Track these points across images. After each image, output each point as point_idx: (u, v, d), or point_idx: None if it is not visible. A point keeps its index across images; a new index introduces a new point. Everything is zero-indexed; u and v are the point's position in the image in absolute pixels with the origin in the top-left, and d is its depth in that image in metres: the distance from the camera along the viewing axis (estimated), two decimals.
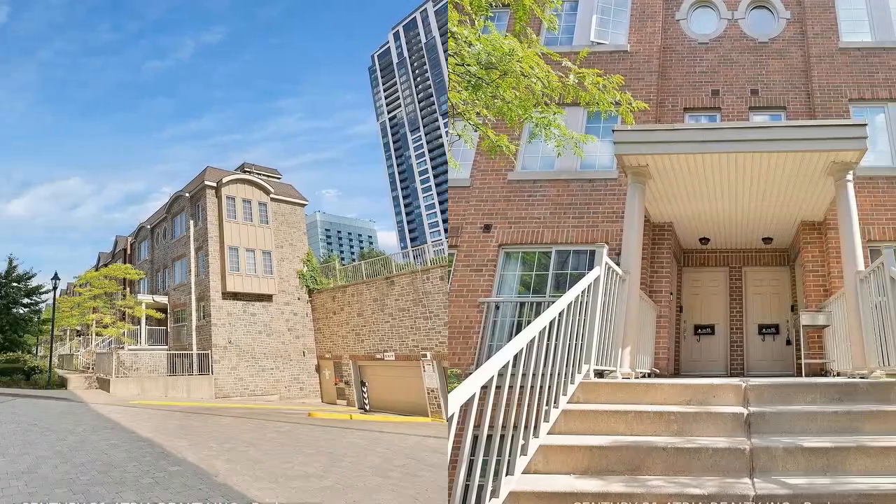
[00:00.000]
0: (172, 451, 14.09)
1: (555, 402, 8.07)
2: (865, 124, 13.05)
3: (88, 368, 41.49)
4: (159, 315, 43.67)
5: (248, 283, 42.52)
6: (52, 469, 11.78)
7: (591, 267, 10.85)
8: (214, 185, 43.51)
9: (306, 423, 20.08)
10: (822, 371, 15.84)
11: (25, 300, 53.67)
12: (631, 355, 12.28)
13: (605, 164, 18.80)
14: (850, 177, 13.40)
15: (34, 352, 57.89)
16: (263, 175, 49.34)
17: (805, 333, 16.19)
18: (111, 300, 44.34)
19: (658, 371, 15.59)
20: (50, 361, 40.51)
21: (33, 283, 53.98)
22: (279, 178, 52.19)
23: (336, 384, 41.65)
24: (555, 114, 12.36)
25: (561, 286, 17.23)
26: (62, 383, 36.33)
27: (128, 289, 50.45)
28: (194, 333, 41.85)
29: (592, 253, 11.81)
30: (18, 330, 51.85)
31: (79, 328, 56.33)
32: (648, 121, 18.49)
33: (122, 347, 39.74)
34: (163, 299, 46.13)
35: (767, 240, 19.50)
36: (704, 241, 19.73)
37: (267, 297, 43.68)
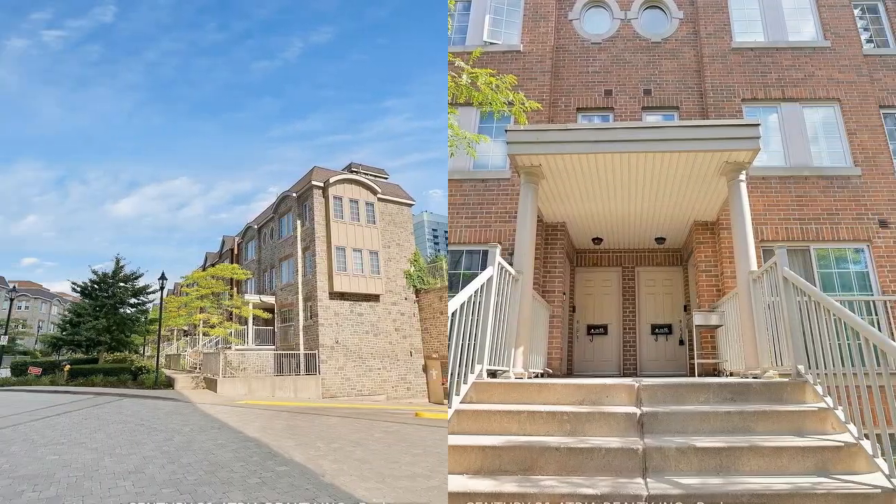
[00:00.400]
0: (279, 451, 13.96)
1: (448, 403, 8.00)
2: (758, 124, 13.32)
3: (195, 368, 41.47)
4: (266, 315, 43.98)
5: (356, 283, 42.86)
6: (159, 469, 11.67)
7: (483, 267, 10.82)
8: (321, 185, 44.02)
9: (413, 423, 19.73)
10: (715, 371, 16.20)
11: (133, 300, 54.00)
12: (524, 355, 12.31)
13: (498, 164, 18.89)
14: (743, 177, 13.68)
15: (141, 352, 57.13)
16: (370, 175, 49.36)
17: (698, 333, 16.53)
18: (218, 300, 44.25)
19: (551, 371, 15.69)
20: (157, 361, 40.56)
21: (140, 283, 54.58)
22: (386, 178, 51.81)
23: (443, 384, 41.12)
24: (448, 114, 12.38)
25: (454, 286, 17.24)
26: (169, 383, 36.29)
27: (235, 289, 51.54)
28: (301, 333, 42.13)
29: (485, 253, 11.76)
30: (126, 330, 51.62)
31: (186, 328, 57.22)
32: (541, 121, 18.71)
33: (230, 347, 40.08)
34: (270, 299, 46.60)
35: (660, 240, 19.87)
36: (597, 241, 20.00)
37: (374, 297, 44.08)
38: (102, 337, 48.61)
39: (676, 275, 20.91)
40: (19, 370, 46.45)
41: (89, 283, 51.56)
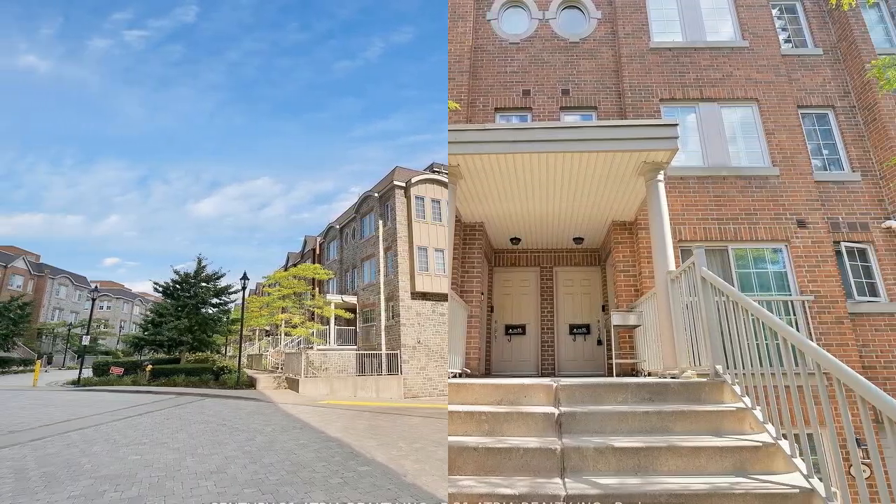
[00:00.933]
0: (361, 451, 13.92)
1: None
2: (676, 124, 13.43)
3: (277, 368, 41.95)
4: (348, 315, 44.39)
5: (437, 283, 42.76)
6: (241, 469, 11.70)
7: None
8: (403, 185, 44.26)
9: None
10: (634, 371, 16.35)
11: (214, 300, 54.30)
12: None
13: None
14: (661, 177, 13.81)
15: (223, 352, 57.89)
16: None
17: (616, 333, 16.69)
18: (300, 300, 43.63)
19: (469, 371, 15.67)
20: (239, 361, 40.78)
21: (222, 282, 55.02)
22: None
23: None
24: None
25: None
26: (251, 383, 36.62)
27: (317, 289, 52.41)
28: (383, 333, 42.43)
29: None
30: (207, 330, 52.07)
31: (268, 328, 58.68)
32: (459, 121, 18.78)
33: (311, 347, 40.19)
34: (352, 299, 47.00)
35: (578, 240, 20.02)
36: (516, 241, 20.08)
37: None
38: (184, 337, 48.87)
39: (595, 275, 21.11)
40: (101, 370, 46.33)
41: (171, 283, 52.28)
